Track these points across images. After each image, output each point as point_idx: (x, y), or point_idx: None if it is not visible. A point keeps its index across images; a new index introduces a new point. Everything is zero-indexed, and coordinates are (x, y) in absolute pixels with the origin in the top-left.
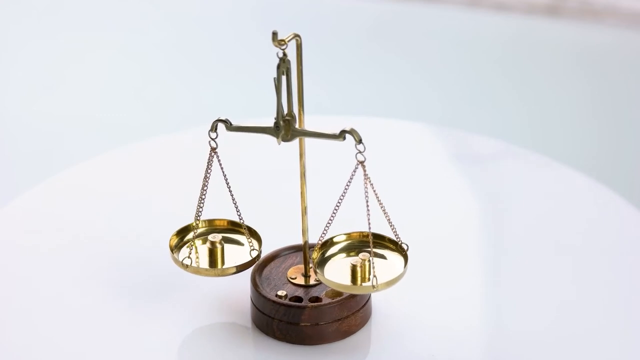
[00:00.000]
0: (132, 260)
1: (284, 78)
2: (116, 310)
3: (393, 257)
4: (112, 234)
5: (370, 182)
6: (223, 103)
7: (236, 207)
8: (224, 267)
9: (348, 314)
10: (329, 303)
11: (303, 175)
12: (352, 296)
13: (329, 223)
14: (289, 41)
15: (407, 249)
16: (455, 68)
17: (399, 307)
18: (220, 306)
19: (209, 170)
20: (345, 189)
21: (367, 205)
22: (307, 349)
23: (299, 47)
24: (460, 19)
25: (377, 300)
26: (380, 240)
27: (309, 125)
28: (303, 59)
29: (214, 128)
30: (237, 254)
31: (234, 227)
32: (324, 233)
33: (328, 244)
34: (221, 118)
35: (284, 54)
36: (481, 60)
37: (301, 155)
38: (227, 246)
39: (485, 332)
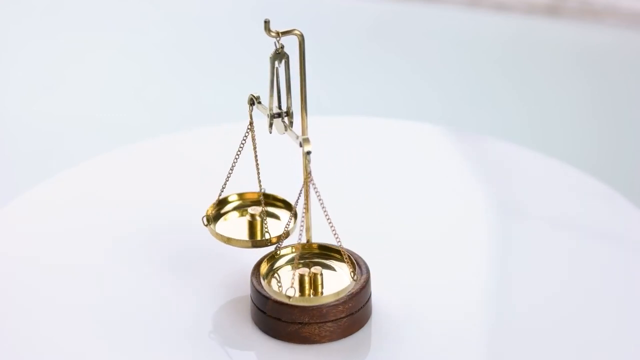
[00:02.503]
0: (132, 260)
1: (281, 72)
2: (115, 309)
3: (343, 271)
4: (111, 234)
5: (318, 194)
6: (223, 103)
7: (259, 184)
8: (234, 238)
9: (310, 321)
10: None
11: (306, 171)
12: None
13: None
14: (283, 34)
15: (355, 278)
16: (455, 68)
17: (400, 308)
18: (228, 291)
19: (242, 145)
20: (298, 196)
21: (303, 218)
22: (305, 347)
23: (301, 45)
24: (460, 19)
25: (378, 300)
26: (335, 253)
27: (310, 125)
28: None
29: (250, 102)
30: (270, 229)
31: (275, 202)
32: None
33: (278, 255)
34: (254, 94)
35: (282, 46)
36: (481, 60)
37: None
38: (267, 221)
39: (487, 331)
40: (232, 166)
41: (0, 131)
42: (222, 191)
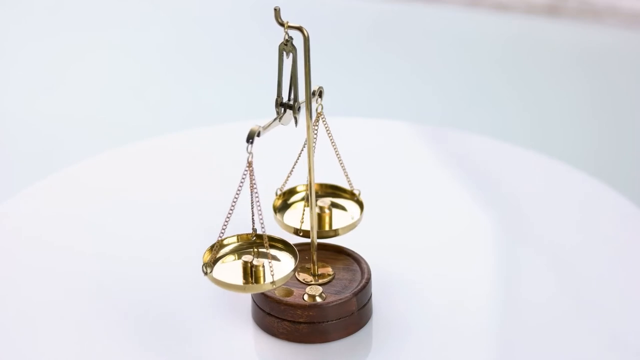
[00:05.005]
0: (132, 259)
1: (289, 64)
2: (113, 308)
3: (286, 259)
4: (111, 233)
5: (253, 183)
6: (223, 103)
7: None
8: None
9: (270, 312)
10: (274, 296)
11: (311, 170)
12: (282, 300)
13: (226, 221)
14: (289, 27)
15: (273, 283)
16: (455, 68)
17: (401, 308)
18: None
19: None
20: (239, 187)
21: (252, 205)
22: (304, 346)
23: (306, 43)
24: (460, 19)
25: (379, 299)
26: (274, 242)
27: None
28: (303, 57)
29: (319, 94)
30: (339, 220)
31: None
32: (222, 231)
33: (220, 245)
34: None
35: (290, 38)
36: (481, 60)
37: (309, 147)
38: (335, 212)
39: (488, 331)
40: (296, 160)
41: (0, 131)
42: (285, 183)
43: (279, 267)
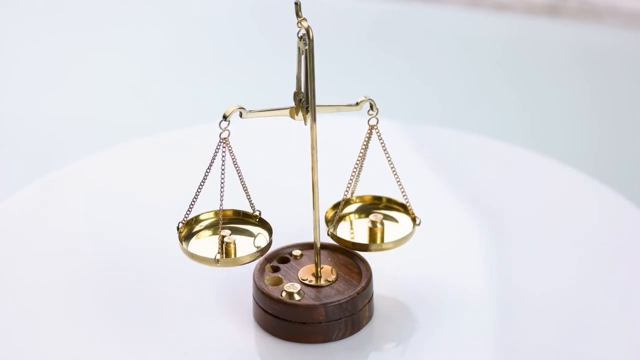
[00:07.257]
0: (133, 256)
1: (303, 59)
2: (113, 306)
3: (258, 244)
4: (106, 232)
5: (232, 159)
6: (223, 103)
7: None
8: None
9: (256, 298)
10: (257, 281)
11: (314, 169)
12: (270, 295)
13: (192, 202)
14: (301, 20)
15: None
16: (455, 68)
17: (401, 309)
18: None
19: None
20: (203, 179)
21: (222, 183)
22: (304, 346)
23: (310, 43)
24: (460, 19)
25: (380, 299)
26: (244, 218)
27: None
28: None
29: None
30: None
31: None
32: (188, 211)
33: (194, 221)
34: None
35: (303, 34)
36: (481, 60)
37: (313, 147)
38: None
39: (488, 331)
40: (359, 167)
41: (0, 131)
42: (352, 189)
43: (242, 250)
